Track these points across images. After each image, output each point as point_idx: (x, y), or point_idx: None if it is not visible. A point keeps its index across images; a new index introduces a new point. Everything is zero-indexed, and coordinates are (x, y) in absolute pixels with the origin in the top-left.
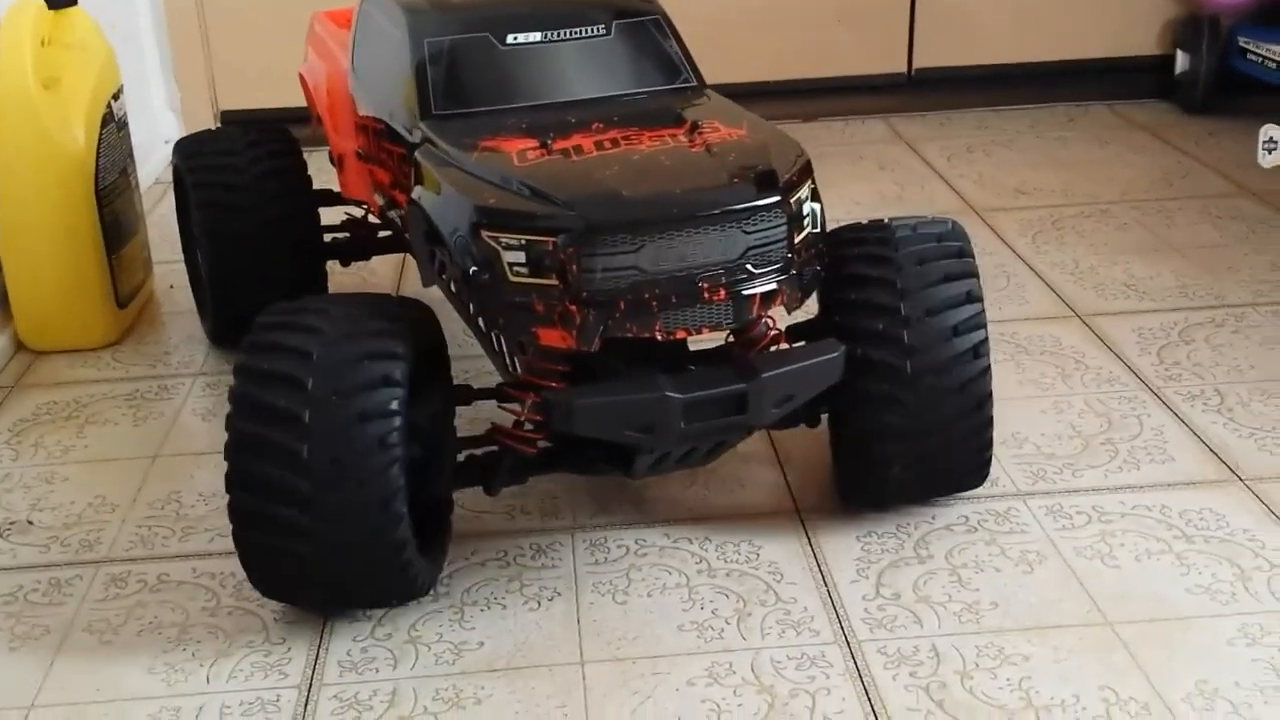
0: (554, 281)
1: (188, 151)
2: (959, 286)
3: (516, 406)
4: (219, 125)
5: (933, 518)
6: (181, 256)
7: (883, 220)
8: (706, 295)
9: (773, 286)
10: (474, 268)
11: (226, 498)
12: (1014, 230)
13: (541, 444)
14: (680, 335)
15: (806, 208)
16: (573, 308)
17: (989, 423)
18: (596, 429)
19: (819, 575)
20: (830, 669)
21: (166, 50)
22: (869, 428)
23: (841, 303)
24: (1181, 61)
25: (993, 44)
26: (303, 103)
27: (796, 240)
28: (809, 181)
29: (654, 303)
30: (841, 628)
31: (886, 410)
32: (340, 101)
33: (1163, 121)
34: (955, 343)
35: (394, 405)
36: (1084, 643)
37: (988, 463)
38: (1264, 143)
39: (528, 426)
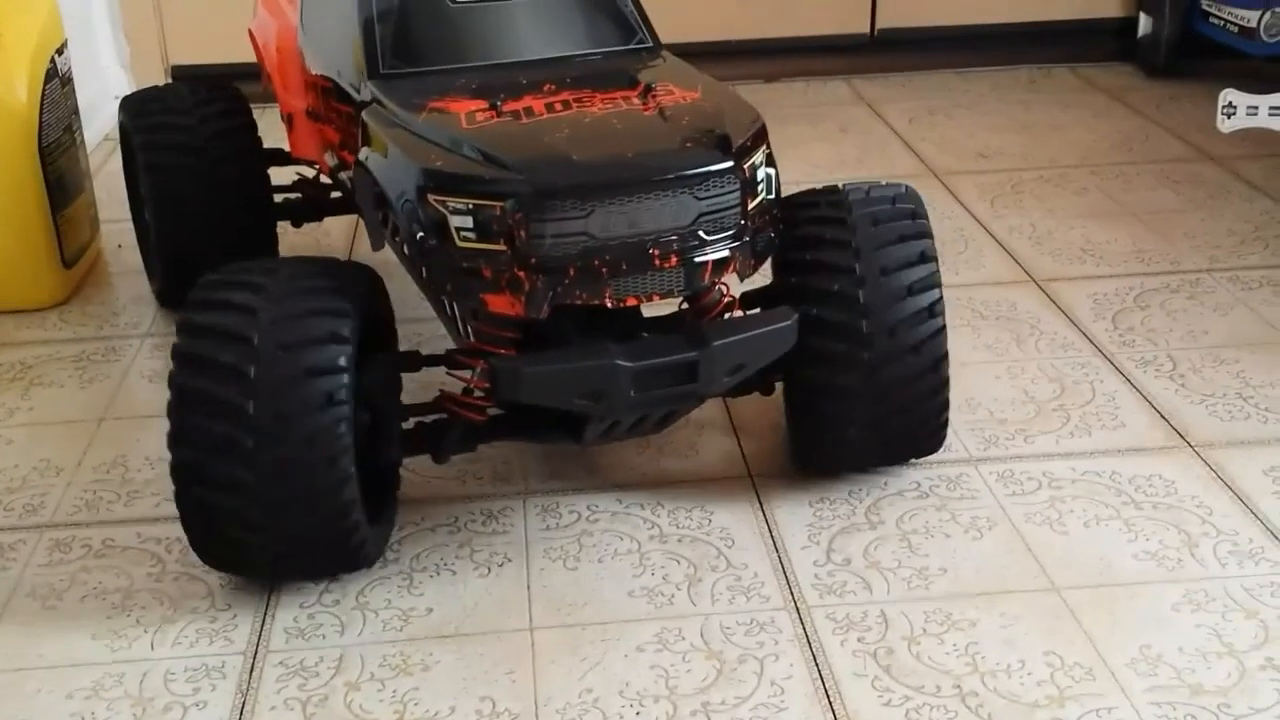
0: (502, 247)
1: (134, 110)
2: (913, 247)
3: (466, 374)
4: (169, 82)
5: (884, 484)
6: (129, 216)
7: (836, 185)
8: (658, 262)
9: (725, 253)
10: (421, 233)
11: (169, 458)
12: (973, 194)
13: (491, 411)
14: (631, 302)
15: (761, 173)
16: (521, 274)
17: (945, 384)
18: (545, 397)
19: (770, 541)
20: (779, 634)
21: (115, 5)
22: (825, 389)
23: (797, 263)
24: (1144, 24)
25: (956, 5)
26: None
27: (750, 206)
28: (764, 147)
29: (604, 269)
30: (791, 593)
31: (842, 370)
32: (290, 59)
33: (1124, 84)
34: (910, 302)
35: (341, 361)
36: (1031, 609)
37: (944, 426)
38: (1223, 107)
39: (477, 394)
